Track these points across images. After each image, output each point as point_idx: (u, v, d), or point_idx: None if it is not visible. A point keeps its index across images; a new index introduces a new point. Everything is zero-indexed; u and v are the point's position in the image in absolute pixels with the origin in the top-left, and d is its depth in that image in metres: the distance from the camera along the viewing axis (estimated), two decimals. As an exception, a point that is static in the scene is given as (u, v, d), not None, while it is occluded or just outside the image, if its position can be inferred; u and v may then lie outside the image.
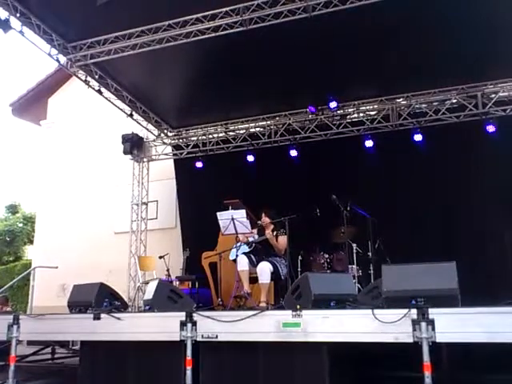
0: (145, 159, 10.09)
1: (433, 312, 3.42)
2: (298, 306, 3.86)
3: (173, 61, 7.63)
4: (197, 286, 7.59)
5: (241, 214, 5.99)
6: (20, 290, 12.98)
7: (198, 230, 8.90)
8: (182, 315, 4.14)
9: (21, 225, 18.57)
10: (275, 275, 5.85)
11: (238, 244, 6.25)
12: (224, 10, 6.53)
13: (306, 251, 7.42)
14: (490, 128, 7.54)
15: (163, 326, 4.25)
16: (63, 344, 6.70)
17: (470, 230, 7.55)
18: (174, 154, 10.01)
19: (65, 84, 12.23)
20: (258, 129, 9.29)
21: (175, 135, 10.07)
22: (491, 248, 7.35)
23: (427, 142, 7.86)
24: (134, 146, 9.76)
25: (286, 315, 3.86)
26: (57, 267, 8.90)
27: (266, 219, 6.21)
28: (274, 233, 6.07)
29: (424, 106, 8.19)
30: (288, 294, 4.48)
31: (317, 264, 7.34)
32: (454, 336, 3.40)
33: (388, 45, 6.84)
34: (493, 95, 7.75)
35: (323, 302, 4.00)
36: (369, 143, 8.18)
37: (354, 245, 7.15)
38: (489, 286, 6.53)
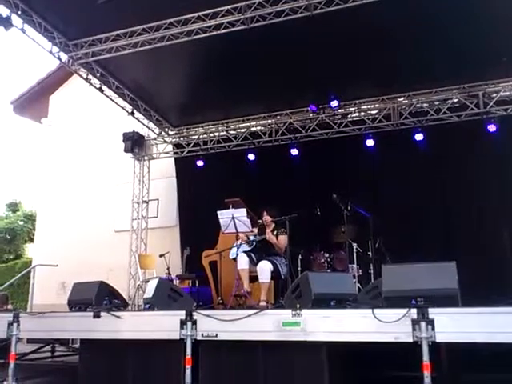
0: (146, 157, 10.09)
1: (433, 312, 3.42)
2: (298, 305, 3.85)
3: (174, 59, 7.63)
4: (197, 284, 7.60)
5: (241, 213, 5.98)
6: (20, 288, 12.97)
7: (198, 229, 8.87)
8: (182, 314, 4.14)
9: (21, 223, 18.54)
10: (275, 274, 5.84)
11: (239, 243, 6.25)
12: (226, 8, 6.52)
13: (306, 250, 7.41)
14: (491, 127, 7.54)
15: (163, 325, 4.24)
16: (63, 342, 6.70)
17: (471, 229, 7.55)
18: (174, 153, 10.00)
19: (66, 82, 12.20)
20: (258, 127, 9.28)
21: (176, 133, 10.07)
22: (491, 247, 7.35)
23: (428, 141, 7.86)
24: (134, 144, 9.76)
25: (285, 314, 3.85)
26: (57, 265, 8.88)
27: (267, 218, 6.20)
28: (275, 232, 6.07)
29: (425, 105, 8.17)
30: (288, 293, 4.47)
31: (317, 263, 7.34)
32: (453, 336, 3.39)
33: (389, 44, 6.82)
34: (494, 94, 7.73)
35: (323, 302, 4.00)
36: (370, 142, 8.17)
37: (355, 244, 7.15)
38: (489, 286, 6.51)
